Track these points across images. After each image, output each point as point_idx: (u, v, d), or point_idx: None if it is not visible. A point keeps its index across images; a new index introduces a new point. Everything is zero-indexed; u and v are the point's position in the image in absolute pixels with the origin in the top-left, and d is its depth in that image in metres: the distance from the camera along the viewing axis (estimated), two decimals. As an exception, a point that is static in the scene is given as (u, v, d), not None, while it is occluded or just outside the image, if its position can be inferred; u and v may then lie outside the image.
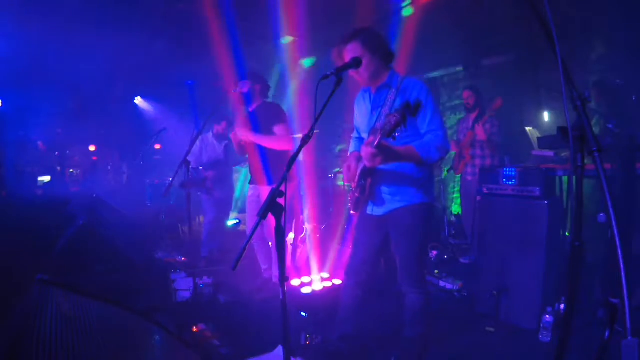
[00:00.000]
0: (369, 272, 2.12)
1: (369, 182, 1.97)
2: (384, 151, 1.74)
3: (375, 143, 1.71)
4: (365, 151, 1.75)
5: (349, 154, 2.27)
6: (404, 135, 1.81)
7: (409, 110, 1.59)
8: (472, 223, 3.95)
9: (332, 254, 3.54)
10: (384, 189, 1.98)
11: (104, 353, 1.25)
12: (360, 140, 2.22)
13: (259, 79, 3.17)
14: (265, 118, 3.07)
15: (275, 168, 3.05)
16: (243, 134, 3.03)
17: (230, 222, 5.66)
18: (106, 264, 2.73)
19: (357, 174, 2.02)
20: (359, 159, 2.10)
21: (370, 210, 2.06)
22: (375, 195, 2.00)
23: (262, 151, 3.06)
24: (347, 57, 1.91)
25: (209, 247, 4.28)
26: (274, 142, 3.00)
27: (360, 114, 2.14)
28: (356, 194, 2.03)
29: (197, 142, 4.18)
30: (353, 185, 2.09)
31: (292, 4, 4.68)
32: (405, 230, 1.97)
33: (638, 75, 3.75)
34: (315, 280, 3.19)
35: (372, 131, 1.96)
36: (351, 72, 1.91)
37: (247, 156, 3.28)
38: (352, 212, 2.15)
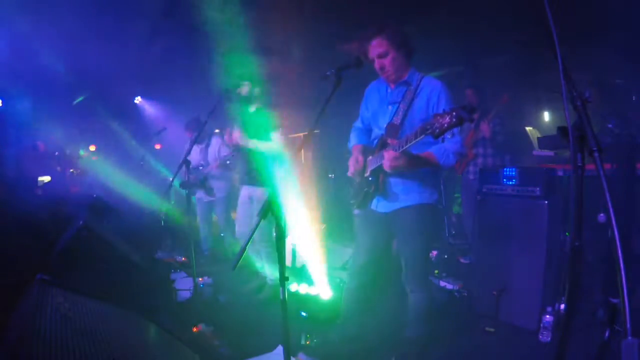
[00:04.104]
0: (372, 273, 2.11)
1: (381, 177, 1.95)
2: (407, 156, 1.74)
3: (402, 148, 1.70)
4: (389, 154, 1.74)
5: (349, 145, 2.24)
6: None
7: (466, 114, 1.41)
8: (472, 223, 3.94)
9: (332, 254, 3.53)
10: (396, 185, 1.97)
11: (103, 353, 1.25)
12: (365, 131, 2.20)
13: (260, 82, 3.15)
14: (264, 121, 3.06)
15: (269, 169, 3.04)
16: (240, 139, 3.01)
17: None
18: (106, 264, 2.72)
19: (369, 169, 2.00)
20: (364, 152, 2.09)
21: (375, 205, 2.04)
22: (387, 191, 1.98)
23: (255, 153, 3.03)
24: (372, 52, 1.88)
25: (208, 247, 4.31)
26: (269, 147, 2.98)
27: (372, 105, 2.11)
28: (366, 189, 2.01)
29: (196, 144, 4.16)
30: (358, 179, 2.08)
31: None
32: (411, 230, 1.96)
33: (638, 75, 3.75)
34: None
35: (389, 126, 1.94)
36: (376, 67, 1.89)
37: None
38: (356, 209, 2.12)
